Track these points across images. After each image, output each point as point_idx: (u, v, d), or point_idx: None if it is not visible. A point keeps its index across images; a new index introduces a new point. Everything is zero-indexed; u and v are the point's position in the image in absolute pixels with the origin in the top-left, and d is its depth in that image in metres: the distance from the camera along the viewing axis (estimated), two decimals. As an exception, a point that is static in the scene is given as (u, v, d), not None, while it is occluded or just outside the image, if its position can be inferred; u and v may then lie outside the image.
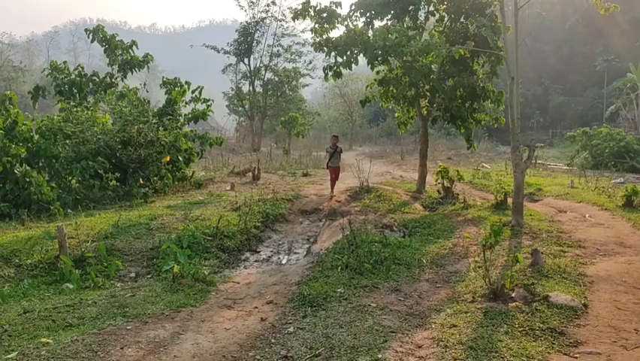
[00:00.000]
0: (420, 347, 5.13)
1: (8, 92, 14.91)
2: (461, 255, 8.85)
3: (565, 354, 5.02)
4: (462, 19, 15.79)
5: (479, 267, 7.53)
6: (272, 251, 10.79)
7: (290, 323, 5.89)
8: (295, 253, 10.65)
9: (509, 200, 12.30)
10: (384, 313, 6.12)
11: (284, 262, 9.88)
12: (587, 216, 12.03)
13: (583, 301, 6.28)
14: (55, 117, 16.01)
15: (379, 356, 4.90)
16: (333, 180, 16.31)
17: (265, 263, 9.82)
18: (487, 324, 5.56)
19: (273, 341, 5.43)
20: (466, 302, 6.35)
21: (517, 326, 5.53)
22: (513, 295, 6.32)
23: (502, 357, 4.79)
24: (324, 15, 15.31)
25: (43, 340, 5.20)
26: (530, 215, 11.62)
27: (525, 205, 11.60)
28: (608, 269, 7.67)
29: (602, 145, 30.85)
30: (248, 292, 7.37)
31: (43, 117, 15.80)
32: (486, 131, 48.11)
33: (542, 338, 5.29)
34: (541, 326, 5.54)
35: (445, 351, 4.95)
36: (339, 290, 6.87)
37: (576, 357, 4.96)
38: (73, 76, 18.20)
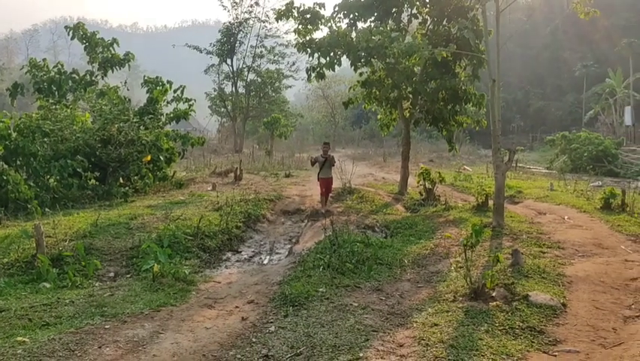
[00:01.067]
0: (401, 346, 5.14)
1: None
2: (442, 255, 8.90)
3: (544, 353, 5.07)
4: (444, 23, 15.91)
5: (460, 267, 7.57)
6: (253, 251, 10.74)
7: (271, 323, 5.85)
8: (277, 253, 10.62)
9: (490, 202, 12.39)
10: (365, 312, 6.12)
11: (265, 262, 9.84)
12: (566, 218, 12.17)
13: (562, 301, 6.35)
14: (34, 115, 15.74)
15: (361, 354, 4.89)
16: (324, 194, 14.07)
17: (247, 263, 9.78)
18: (468, 323, 5.58)
19: (254, 340, 5.39)
20: (448, 302, 6.38)
21: (497, 324, 5.57)
22: (493, 294, 6.36)
23: (482, 355, 4.82)
24: (308, 16, 15.32)
25: (19, 339, 5.11)
26: (511, 217, 11.72)
27: (505, 207, 11.71)
28: (587, 270, 7.76)
29: (581, 149, 31.36)
30: (229, 292, 7.32)
31: (21, 115, 15.53)
32: (467, 134, 48.54)
33: (522, 337, 5.33)
34: (521, 324, 5.59)
35: (427, 350, 4.96)
36: (320, 290, 6.85)
37: (555, 355, 5.01)
38: (52, 73, 17.92)
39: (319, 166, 13.96)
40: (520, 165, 30.90)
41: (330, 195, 15.78)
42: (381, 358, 4.85)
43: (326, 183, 13.98)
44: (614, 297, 6.68)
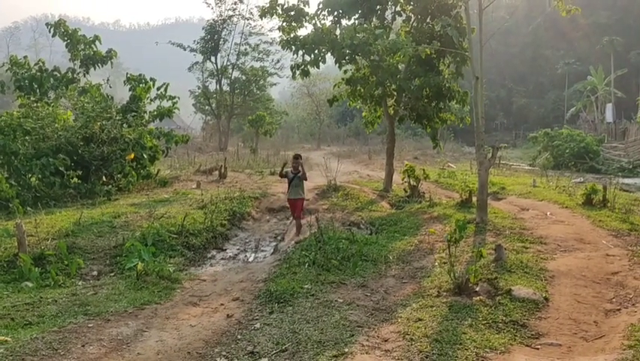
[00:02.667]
0: (386, 341, 5.16)
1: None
2: (427, 251, 8.95)
3: (527, 346, 5.13)
4: (428, 20, 15.98)
5: (444, 263, 7.63)
6: (238, 249, 10.70)
7: (256, 319, 5.85)
8: (262, 250, 10.61)
9: (474, 198, 12.48)
10: (350, 308, 6.14)
11: (251, 259, 9.82)
12: (548, 213, 12.29)
13: (544, 295, 6.42)
14: (15, 113, 15.52)
15: (346, 350, 4.91)
16: (294, 215, 11.33)
17: (232, 261, 9.75)
18: (452, 317, 5.63)
19: (239, 337, 5.39)
20: (432, 297, 6.42)
21: (481, 319, 5.62)
22: (477, 289, 6.42)
23: (466, 349, 4.87)
24: (292, 13, 15.29)
25: (1, 338, 5.04)
26: (494, 213, 11.81)
27: (489, 203, 11.80)
28: (569, 264, 7.86)
29: (563, 146, 31.72)
30: (214, 290, 7.30)
31: (2, 113, 15.30)
32: (451, 132, 48.89)
33: (505, 331, 5.39)
34: (504, 318, 5.65)
35: (411, 344, 5.00)
36: (306, 286, 6.85)
37: (538, 348, 5.07)
38: (33, 71, 17.68)
39: (287, 183, 11.21)
40: (503, 162, 31.17)
41: (316, 192, 15.78)
42: (367, 353, 4.87)
43: (295, 205, 11.19)
44: (596, 291, 6.78)
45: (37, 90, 17.46)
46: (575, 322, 5.77)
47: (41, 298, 6.53)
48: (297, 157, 11.51)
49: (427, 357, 4.72)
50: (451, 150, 42.59)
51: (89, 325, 5.58)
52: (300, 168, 11.12)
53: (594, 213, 11.86)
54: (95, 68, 18.65)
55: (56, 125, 15.94)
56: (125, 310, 6.14)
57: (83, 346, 5.02)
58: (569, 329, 5.56)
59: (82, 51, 18.37)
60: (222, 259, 9.89)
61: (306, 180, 11.25)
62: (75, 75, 18.34)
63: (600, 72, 51.26)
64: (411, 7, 16.33)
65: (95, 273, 8.29)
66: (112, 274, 8.19)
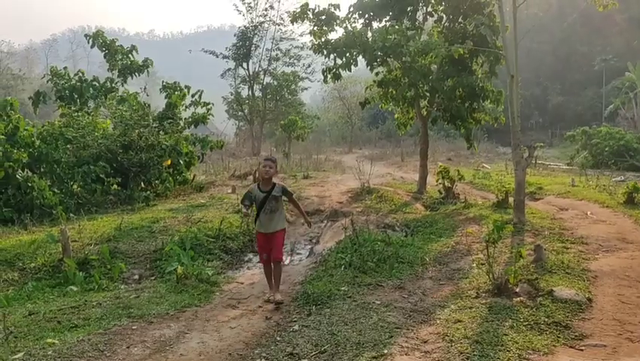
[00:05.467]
0: (425, 342, 5.15)
1: (9, 97, 14.93)
2: (464, 252, 8.87)
3: (571, 347, 5.04)
4: (460, 20, 15.85)
5: (482, 264, 7.56)
6: (275, 252, 10.76)
7: (295, 321, 5.90)
8: (298, 253, 10.66)
9: (510, 199, 12.31)
10: (388, 310, 6.13)
11: (287, 262, 9.86)
12: (588, 213, 12.03)
13: (587, 296, 6.30)
14: (57, 122, 16.02)
15: (385, 351, 4.91)
16: (267, 263, 6.86)
17: (268, 264, 9.81)
18: (492, 319, 5.57)
19: (278, 338, 5.44)
20: (470, 298, 6.36)
21: (522, 320, 5.54)
22: (517, 290, 6.34)
23: (508, 350, 4.81)
24: (323, 17, 15.37)
25: (49, 340, 5.22)
26: (532, 213, 11.62)
27: (526, 204, 11.63)
28: (612, 264, 7.69)
29: (602, 144, 30.92)
30: (252, 292, 7.39)
31: (44, 123, 15.80)
32: (485, 132, 48.14)
33: (548, 332, 5.31)
34: (546, 320, 5.56)
35: (451, 345, 4.97)
36: (343, 288, 6.87)
37: (582, 350, 4.98)
38: (73, 81, 18.18)
39: (255, 208, 6.76)
40: (540, 161, 30.56)
41: (349, 195, 15.76)
42: (406, 354, 4.87)
43: (269, 242, 6.74)
44: (640, 291, 6.61)
45: (78, 100, 17.96)
46: (620, 323, 5.64)
47: (86, 301, 6.73)
48: (269, 162, 6.75)
49: (467, 358, 4.68)
50: (485, 151, 41.99)
51: (133, 327, 5.73)
52: (275, 181, 6.82)
53: (636, 212, 11.57)
54: (132, 77, 19.07)
55: (96, 133, 16.37)
56: (167, 312, 6.28)
57: (128, 347, 5.16)
58: (614, 330, 5.44)
59: (120, 61, 18.81)
60: (259, 262, 9.94)
61: (291, 193, 7.15)
62: (113, 85, 18.81)
63: (638, 68, 49.76)
64: (442, 7, 16.22)
65: (137, 277, 8.47)
66: (152, 278, 8.37)
